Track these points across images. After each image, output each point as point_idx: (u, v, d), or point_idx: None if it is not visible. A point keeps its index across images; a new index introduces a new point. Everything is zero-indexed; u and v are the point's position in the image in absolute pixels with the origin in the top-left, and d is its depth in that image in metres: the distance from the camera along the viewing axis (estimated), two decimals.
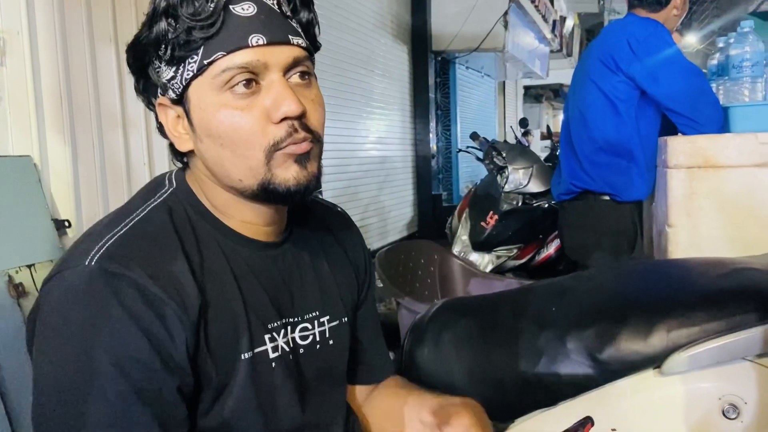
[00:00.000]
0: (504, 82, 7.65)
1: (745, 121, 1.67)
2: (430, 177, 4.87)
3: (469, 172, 5.87)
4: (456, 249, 2.77)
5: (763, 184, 1.57)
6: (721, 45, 1.92)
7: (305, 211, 0.84)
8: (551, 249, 2.72)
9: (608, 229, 2.03)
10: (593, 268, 1.38)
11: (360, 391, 0.92)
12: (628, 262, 1.58)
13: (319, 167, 0.71)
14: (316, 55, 0.74)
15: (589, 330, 1.10)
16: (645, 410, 1.06)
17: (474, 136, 3.24)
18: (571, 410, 1.08)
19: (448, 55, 5.12)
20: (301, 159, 0.68)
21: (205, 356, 0.66)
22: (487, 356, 1.17)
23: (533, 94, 10.88)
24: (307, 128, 0.68)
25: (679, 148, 1.64)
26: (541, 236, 2.74)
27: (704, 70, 2.07)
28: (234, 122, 0.66)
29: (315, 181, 0.70)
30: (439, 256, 2.45)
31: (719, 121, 1.75)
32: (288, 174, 0.67)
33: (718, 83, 1.86)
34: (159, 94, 0.70)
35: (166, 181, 0.75)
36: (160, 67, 0.68)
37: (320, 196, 0.95)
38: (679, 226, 1.63)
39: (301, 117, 0.67)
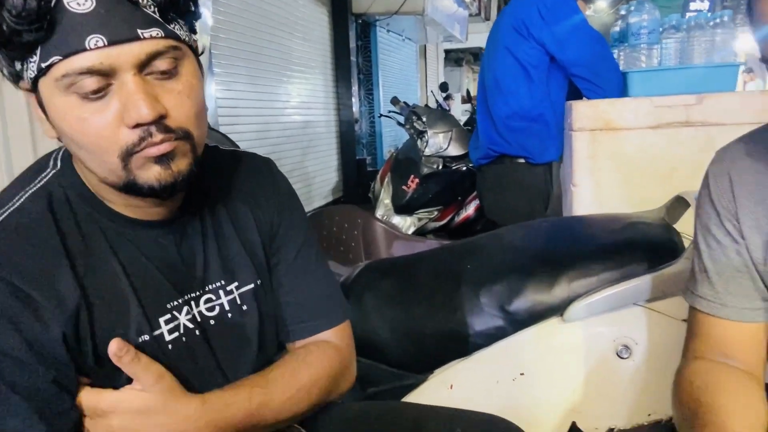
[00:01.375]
0: (425, 46, 7.66)
1: (642, 85, 1.77)
2: (354, 142, 4.85)
3: (393, 136, 5.90)
4: (379, 213, 2.81)
5: (656, 144, 1.70)
6: (623, 13, 2.03)
7: (215, 167, 0.79)
8: (470, 210, 2.81)
9: (524, 190, 2.13)
10: (504, 228, 1.46)
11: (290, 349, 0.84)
12: (537, 220, 1.68)
13: (192, 162, 0.66)
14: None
15: (500, 284, 1.18)
16: (550, 354, 1.15)
17: (394, 101, 3.25)
18: (483, 359, 1.16)
19: (369, 17, 5.07)
20: (163, 159, 0.63)
21: (88, 348, 0.64)
22: (407, 313, 1.23)
23: (454, 58, 10.96)
24: (167, 129, 0.62)
25: (582, 111, 1.74)
26: (460, 198, 2.82)
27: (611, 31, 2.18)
28: (82, 128, 0.60)
29: (184, 177, 0.65)
30: (363, 220, 2.49)
31: (619, 86, 1.85)
32: (149, 174, 0.63)
33: (619, 50, 1.97)
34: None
35: (51, 162, 0.71)
36: (6, 58, 0.61)
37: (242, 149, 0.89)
38: (582, 186, 1.75)
39: (160, 119, 0.61)
